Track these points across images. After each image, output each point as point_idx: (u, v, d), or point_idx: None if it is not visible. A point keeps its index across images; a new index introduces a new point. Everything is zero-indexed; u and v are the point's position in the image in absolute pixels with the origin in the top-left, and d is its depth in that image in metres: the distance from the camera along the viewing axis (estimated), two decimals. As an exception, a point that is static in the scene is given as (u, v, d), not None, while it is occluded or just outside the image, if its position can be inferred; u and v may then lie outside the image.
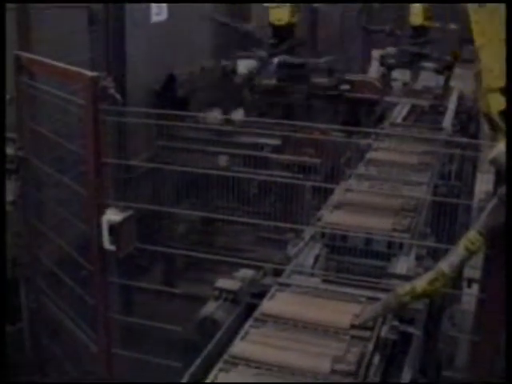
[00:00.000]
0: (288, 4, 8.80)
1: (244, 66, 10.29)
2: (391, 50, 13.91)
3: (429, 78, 12.40)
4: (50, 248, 7.44)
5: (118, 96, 6.03)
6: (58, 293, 7.39)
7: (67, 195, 6.94)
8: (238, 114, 9.55)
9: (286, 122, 8.38)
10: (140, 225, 7.02)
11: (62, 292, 7.29)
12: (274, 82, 10.13)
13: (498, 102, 5.68)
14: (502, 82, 5.61)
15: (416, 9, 14.36)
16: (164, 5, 10.03)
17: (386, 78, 12.76)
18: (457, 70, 12.97)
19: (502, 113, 5.73)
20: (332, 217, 6.32)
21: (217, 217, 8.46)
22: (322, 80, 10.21)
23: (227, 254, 7.53)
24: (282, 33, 9.65)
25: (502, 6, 5.59)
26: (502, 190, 4.84)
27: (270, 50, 10.23)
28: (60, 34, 8.05)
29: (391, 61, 13.20)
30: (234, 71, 10.30)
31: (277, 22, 8.01)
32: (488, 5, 5.66)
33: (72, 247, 7.02)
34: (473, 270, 6.20)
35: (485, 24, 5.69)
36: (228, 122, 8.90)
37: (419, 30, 14.52)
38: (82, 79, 6.01)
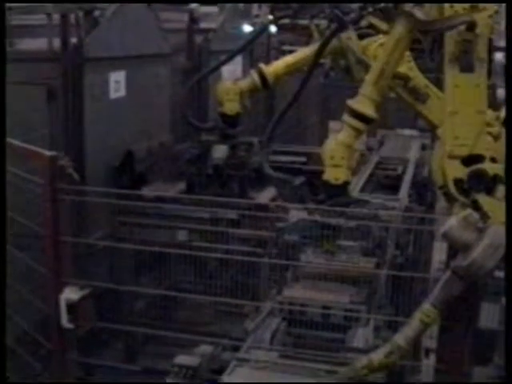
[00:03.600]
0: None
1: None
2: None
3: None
4: (8, 326, 7.39)
5: (75, 175, 6.09)
6: (18, 371, 7.32)
7: (26, 272, 6.93)
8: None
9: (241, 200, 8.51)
10: (99, 301, 7.01)
11: (22, 370, 7.22)
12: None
13: (455, 170, 5.76)
14: (465, 151, 5.69)
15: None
16: (122, 81, 10.17)
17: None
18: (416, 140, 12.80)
19: (458, 181, 5.83)
20: (290, 291, 6.38)
21: (175, 294, 8.49)
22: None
23: (187, 329, 7.55)
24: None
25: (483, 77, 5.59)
26: (455, 262, 4.94)
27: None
28: (19, 111, 8.11)
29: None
30: None
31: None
32: (475, 74, 5.65)
33: (31, 325, 6.99)
34: (430, 340, 6.27)
35: (466, 91, 5.65)
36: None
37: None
38: (41, 158, 6.07)
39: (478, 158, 5.69)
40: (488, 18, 5.58)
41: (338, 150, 6.75)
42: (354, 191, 9.27)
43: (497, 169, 5.61)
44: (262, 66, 10.03)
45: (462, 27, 5.56)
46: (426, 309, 4.92)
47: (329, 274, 6.60)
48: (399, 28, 6.30)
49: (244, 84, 10.09)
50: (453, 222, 4.87)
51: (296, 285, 6.52)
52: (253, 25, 14.92)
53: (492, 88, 7.67)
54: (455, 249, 5.05)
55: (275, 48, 16.46)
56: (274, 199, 9.48)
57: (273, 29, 15.89)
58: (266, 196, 9.81)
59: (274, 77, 9.91)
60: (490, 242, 4.76)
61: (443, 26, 5.68)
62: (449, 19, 5.61)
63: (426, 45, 7.94)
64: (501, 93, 8.75)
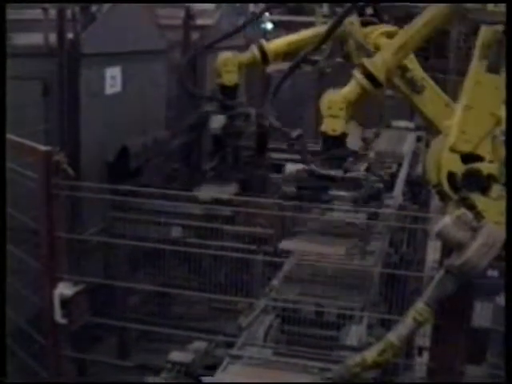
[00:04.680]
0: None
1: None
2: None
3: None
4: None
5: (70, 171, 6.09)
6: (11, 366, 7.32)
7: (20, 267, 6.93)
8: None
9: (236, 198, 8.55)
10: (93, 296, 7.01)
11: (15, 365, 7.22)
12: None
13: (452, 162, 5.77)
14: (468, 147, 5.70)
15: None
16: (118, 77, 10.17)
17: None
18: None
19: (451, 175, 5.83)
20: (283, 288, 6.39)
21: (169, 291, 8.50)
22: None
23: (181, 325, 7.54)
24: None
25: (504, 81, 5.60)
26: (449, 261, 4.95)
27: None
28: (14, 105, 8.10)
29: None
30: None
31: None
32: (499, 76, 5.67)
33: (24, 320, 6.98)
34: (423, 338, 6.29)
35: (486, 90, 5.68)
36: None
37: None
38: (36, 154, 6.07)
39: (478, 159, 5.71)
40: None
41: (337, 100, 6.77)
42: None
43: (491, 168, 5.63)
44: (262, 41, 10.10)
45: (500, 28, 5.54)
46: (420, 307, 4.92)
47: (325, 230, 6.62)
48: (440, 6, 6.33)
49: (243, 57, 10.14)
50: (446, 220, 4.88)
51: (289, 282, 6.52)
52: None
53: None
54: (449, 248, 5.06)
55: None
56: (237, 194, 9.47)
57: (269, 25, 15.91)
58: (228, 191, 9.77)
59: (274, 53, 10.00)
60: (484, 241, 4.76)
61: (487, 17, 5.65)
62: (493, 13, 5.59)
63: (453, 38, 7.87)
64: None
